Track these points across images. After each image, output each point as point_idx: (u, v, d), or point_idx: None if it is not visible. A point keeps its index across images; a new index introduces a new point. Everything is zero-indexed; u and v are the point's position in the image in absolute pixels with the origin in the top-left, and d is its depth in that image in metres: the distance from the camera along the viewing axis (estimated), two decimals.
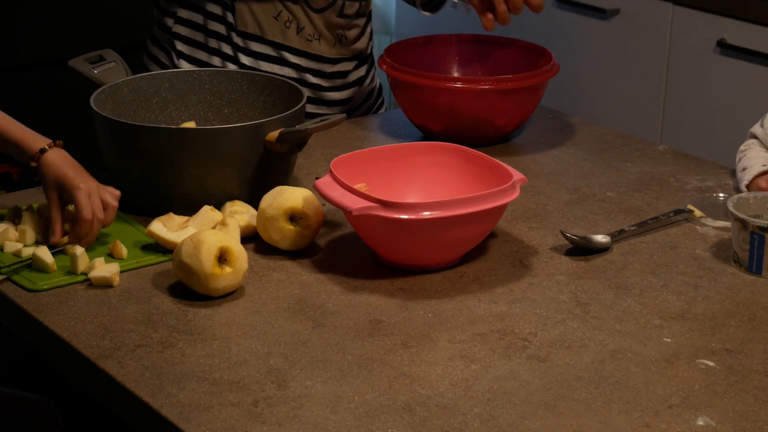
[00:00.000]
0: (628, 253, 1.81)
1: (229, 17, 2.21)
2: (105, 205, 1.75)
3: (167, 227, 1.77)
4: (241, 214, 1.82)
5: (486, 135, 2.18)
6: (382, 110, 2.45)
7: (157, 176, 1.85)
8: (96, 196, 1.74)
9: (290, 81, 2.02)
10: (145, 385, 1.46)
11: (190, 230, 1.76)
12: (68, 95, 3.15)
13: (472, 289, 1.70)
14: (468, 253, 1.77)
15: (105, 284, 1.68)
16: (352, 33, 2.29)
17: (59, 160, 1.75)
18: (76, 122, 3.13)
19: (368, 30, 2.36)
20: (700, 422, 1.40)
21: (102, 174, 1.98)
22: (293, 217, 1.76)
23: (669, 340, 1.58)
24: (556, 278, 1.73)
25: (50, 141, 1.76)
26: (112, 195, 1.76)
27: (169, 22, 2.26)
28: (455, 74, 2.33)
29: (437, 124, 2.17)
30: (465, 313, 1.63)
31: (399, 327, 1.60)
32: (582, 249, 1.81)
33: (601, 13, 3.30)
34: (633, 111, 3.31)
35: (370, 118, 2.33)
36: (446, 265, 1.75)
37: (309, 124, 1.84)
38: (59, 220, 1.76)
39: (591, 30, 3.35)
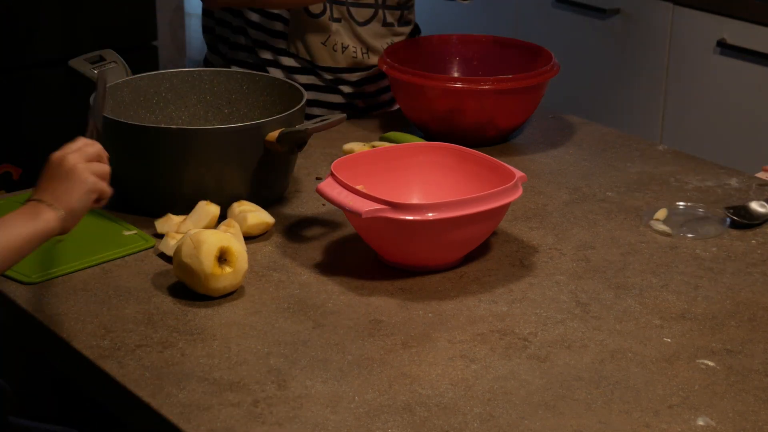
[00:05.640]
0: (628, 253, 1.81)
1: (280, 44, 2.26)
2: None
3: (168, 227, 1.78)
4: (250, 212, 1.81)
5: (486, 135, 2.18)
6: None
7: (157, 176, 1.85)
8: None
9: (290, 81, 2.02)
10: (145, 385, 1.46)
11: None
12: (68, 95, 3.15)
13: (472, 289, 1.70)
14: (468, 253, 1.77)
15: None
16: (399, 40, 2.34)
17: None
18: (76, 122, 3.13)
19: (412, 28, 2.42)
20: (700, 422, 1.40)
21: None
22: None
23: (669, 340, 1.58)
24: (556, 278, 1.73)
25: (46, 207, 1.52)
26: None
27: (224, 48, 2.32)
28: (455, 74, 2.33)
29: (437, 124, 2.17)
30: (465, 313, 1.63)
31: (399, 327, 1.60)
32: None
33: (600, 13, 3.30)
34: (633, 111, 3.31)
35: (370, 118, 2.33)
36: (449, 265, 1.75)
37: (309, 124, 1.84)
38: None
39: (591, 30, 3.35)
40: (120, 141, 1.86)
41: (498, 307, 1.65)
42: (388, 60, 2.19)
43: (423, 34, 2.43)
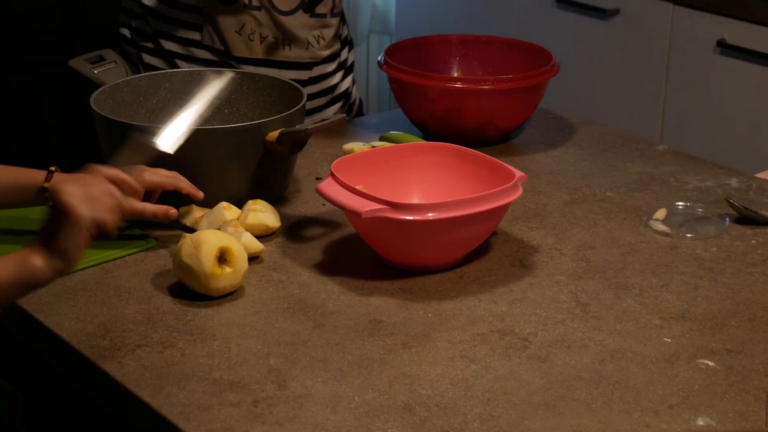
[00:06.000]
0: (628, 253, 1.81)
1: (194, 35, 2.19)
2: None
3: (187, 220, 1.81)
4: (252, 212, 1.81)
5: (486, 135, 2.18)
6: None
7: None
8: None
9: (290, 81, 2.02)
10: (145, 385, 1.46)
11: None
12: (68, 95, 3.15)
13: (472, 289, 1.70)
14: (468, 253, 1.77)
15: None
16: (328, 33, 2.26)
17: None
18: (76, 122, 3.13)
19: (345, 34, 2.33)
20: (700, 422, 1.40)
21: None
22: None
23: (669, 340, 1.58)
24: (556, 278, 1.73)
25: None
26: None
27: (137, 47, 2.24)
28: (455, 74, 2.33)
29: (437, 124, 2.17)
30: (465, 313, 1.63)
31: (399, 327, 1.60)
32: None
33: (601, 13, 3.31)
34: (633, 111, 3.31)
35: (370, 118, 2.33)
36: (449, 265, 1.75)
37: (309, 124, 1.84)
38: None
39: (591, 30, 3.35)
40: (120, 141, 1.86)
41: (498, 307, 1.65)
42: (388, 60, 2.20)
43: (423, 34, 2.43)
